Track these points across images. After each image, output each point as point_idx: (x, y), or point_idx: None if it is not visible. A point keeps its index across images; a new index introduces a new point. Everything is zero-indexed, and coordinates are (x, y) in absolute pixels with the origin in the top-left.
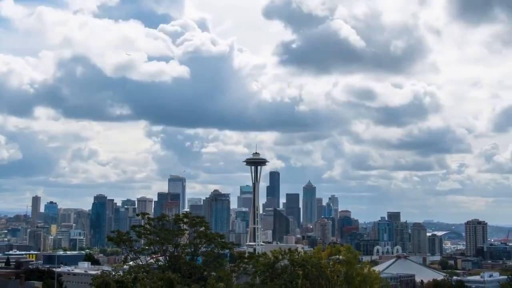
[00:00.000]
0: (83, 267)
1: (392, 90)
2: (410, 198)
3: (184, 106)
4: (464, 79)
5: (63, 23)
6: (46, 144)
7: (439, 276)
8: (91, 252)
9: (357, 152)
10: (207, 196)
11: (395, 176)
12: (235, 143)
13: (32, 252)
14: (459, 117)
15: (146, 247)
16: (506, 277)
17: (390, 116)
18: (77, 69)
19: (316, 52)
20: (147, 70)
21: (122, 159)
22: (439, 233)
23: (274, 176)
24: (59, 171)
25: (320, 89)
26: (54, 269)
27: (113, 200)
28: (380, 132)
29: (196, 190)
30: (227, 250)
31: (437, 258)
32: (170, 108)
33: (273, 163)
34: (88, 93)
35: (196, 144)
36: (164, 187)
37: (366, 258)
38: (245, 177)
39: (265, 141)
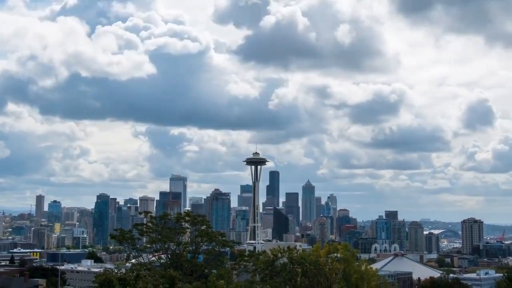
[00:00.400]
0: (86, 265)
1: (354, 89)
2: (402, 196)
3: (161, 104)
4: (431, 77)
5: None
6: (36, 144)
7: (436, 273)
8: (94, 250)
9: (338, 150)
10: (208, 195)
11: (382, 174)
12: (219, 143)
13: (36, 250)
14: (429, 115)
15: (148, 245)
16: (501, 274)
17: (361, 114)
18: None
19: (276, 49)
20: (124, 69)
21: (115, 159)
22: (436, 232)
23: (274, 175)
24: (53, 171)
25: (289, 87)
26: (57, 267)
27: (115, 199)
28: (354, 131)
29: (193, 189)
30: (228, 248)
31: (434, 256)
32: (151, 107)
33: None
34: (69, 93)
35: (182, 144)
36: (161, 186)
37: (364, 256)
38: (235, 175)
39: (243, 140)
